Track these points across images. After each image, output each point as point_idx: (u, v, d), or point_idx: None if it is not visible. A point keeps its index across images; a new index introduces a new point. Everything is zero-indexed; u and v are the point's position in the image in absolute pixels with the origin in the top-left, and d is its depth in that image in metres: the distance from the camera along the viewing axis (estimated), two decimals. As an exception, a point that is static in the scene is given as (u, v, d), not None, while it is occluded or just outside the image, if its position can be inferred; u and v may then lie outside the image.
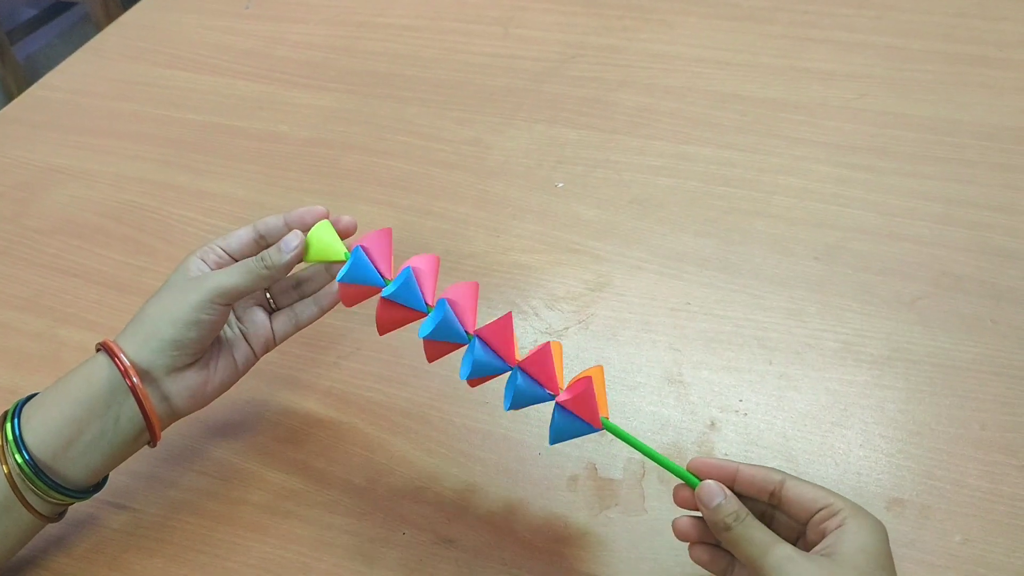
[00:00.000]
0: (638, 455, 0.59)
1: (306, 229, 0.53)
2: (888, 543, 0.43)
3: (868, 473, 0.57)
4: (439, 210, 0.80)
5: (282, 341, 0.58)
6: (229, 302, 0.51)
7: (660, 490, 0.57)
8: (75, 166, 0.88)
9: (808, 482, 0.45)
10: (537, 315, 0.69)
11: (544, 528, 0.56)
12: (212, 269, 0.53)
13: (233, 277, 0.50)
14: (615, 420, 0.61)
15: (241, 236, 0.54)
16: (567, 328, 0.68)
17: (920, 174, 0.79)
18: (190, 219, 0.81)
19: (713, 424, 0.61)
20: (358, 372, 0.66)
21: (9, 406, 0.52)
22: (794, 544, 0.44)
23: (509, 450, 0.60)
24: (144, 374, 0.50)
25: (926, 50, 0.94)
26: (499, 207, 0.79)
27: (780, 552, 0.42)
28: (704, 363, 0.65)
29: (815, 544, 0.43)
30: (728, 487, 0.46)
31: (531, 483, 0.58)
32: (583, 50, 0.98)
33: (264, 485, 0.60)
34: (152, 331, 0.50)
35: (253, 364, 0.57)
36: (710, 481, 0.46)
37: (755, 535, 0.43)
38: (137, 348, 0.50)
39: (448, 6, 1.09)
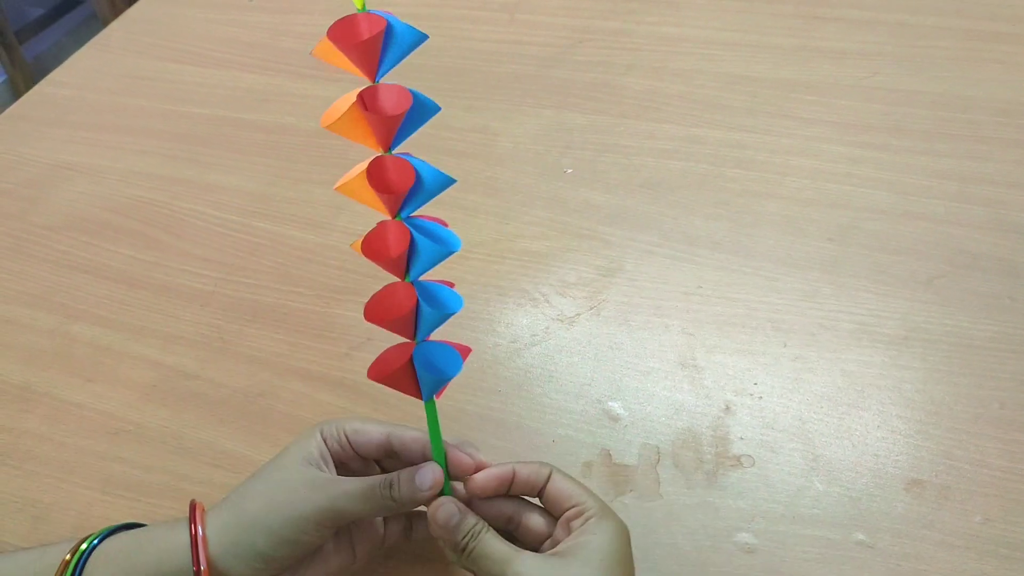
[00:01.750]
0: (654, 441, 0.59)
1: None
2: (629, 546, 0.44)
3: (886, 455, 0.56)
4: (448, 198, 0.78)
5: (390, 544, 0.51)
6: (341, 525, 0.46)
7: (675, 475, 0.57)
8: (83, 162, 0.88)
9: (572, 479, 0.46)
10: (548, 302, 0.68)
11: (559, 515, 0.55)
12: (332, 460, 0.47)
13: (354, 503, 0.44)
14: (629, 407, 0.61)
15: (372, 436, 0.48)
16: (579, 314, 0.67)
17: (934, 152, 0.78)
18: (199, 213, 0.80)
19: (728, 408, 0.60)
20: (369, 363, 0.66)
21: (79, 543, 0.46)
22: (544, 540, 0.46)
23: (523, 438, 0.60)
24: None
25: (938, 26, 0.93)
26: (508, 194, 0.79)
27: (520, 563, 0.42)
28: (718, 347, 0.64)
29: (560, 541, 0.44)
30: (506, 491, 0.47)
31: (545, 470, 0.58)
32: (590, 34, 0.97)
33: (277, 477, 0.60)
34: (245, 535, 0.44)
35: (350, 567, 0.49)
36: (445, 499, 0.45)
37: (493, 550, 0.43)
38: (223, 548, 0.44)
39: (453, -7, 1.08)
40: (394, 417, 0.62)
